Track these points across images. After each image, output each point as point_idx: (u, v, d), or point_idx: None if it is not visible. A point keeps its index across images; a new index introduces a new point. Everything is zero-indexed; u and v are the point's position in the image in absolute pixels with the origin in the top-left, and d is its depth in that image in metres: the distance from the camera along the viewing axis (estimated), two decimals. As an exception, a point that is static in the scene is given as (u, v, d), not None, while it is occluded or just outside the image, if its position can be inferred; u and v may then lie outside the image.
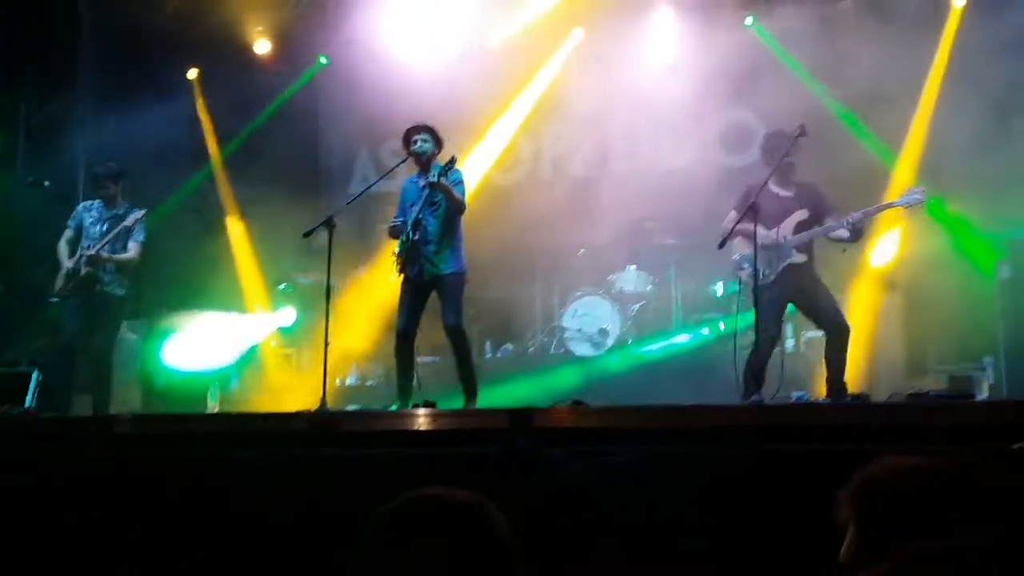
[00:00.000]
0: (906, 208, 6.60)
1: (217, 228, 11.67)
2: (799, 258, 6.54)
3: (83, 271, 7.18)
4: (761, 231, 6.38)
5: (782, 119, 9.59)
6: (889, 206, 6.68)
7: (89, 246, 7.24)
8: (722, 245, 6.17)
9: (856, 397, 6.11)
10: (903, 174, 9.49)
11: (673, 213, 10.02)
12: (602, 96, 11.05)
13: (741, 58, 10.16)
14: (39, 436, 5.51)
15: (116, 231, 7.25)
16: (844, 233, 6.51)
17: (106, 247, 7.19)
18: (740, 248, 6.62)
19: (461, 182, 6.88)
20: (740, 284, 6.74)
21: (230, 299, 10.77)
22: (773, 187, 6.61)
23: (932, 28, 9.83)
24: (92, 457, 4.96)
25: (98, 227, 7.38)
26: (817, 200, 6.70)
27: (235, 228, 11.77)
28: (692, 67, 10.04)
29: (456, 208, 6.75)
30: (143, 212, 7.44)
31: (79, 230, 7.42)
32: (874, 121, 9.64)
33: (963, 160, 8.50)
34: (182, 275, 10.72)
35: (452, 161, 6.79)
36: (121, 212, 7.43)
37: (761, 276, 6.38)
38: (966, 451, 3.73)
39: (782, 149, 6.55)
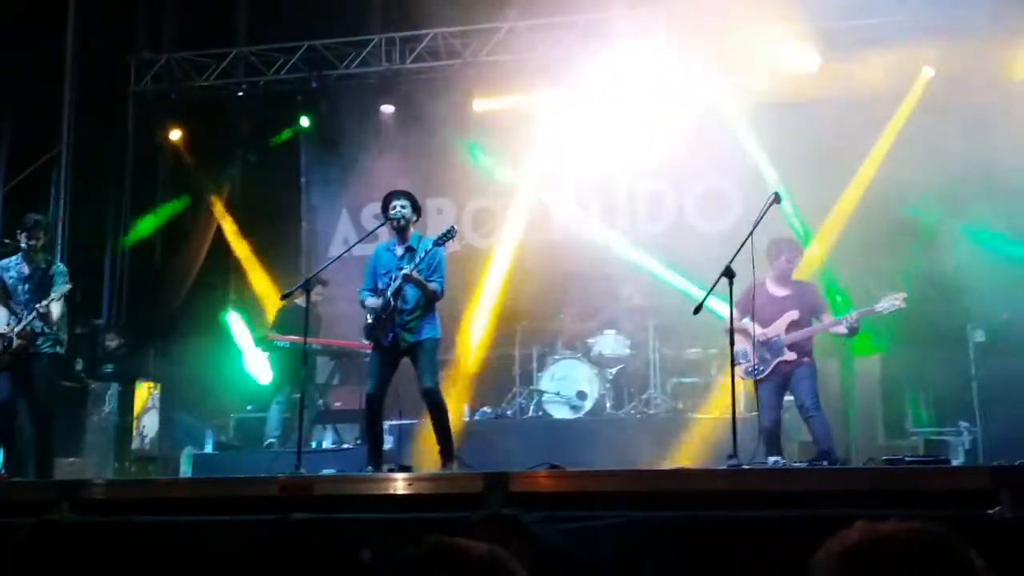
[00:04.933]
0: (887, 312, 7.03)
1: (201, 289, 11.66)
2: (790, 355, 6.99)
3: (15, 344, 7.03)
4: (758, 329, 6.92)
5: (758, 186, 9.81)
6: (871, 311, 7.07)
7: (18, 320, 7.07)
8: (697, 311, 6.22)
9: (833, 462, 6.11)
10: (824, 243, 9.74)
11: (651, 278, 10.10)
12: (580, 162, 11.21)
13: (717, 127, 10.35)
14: (6, 501, 5.41)
15: (44, 290, 7.07)
16: (842, 330, 6.98)
17: (34, 312, 7.00)
18: (738, 343, 6.85)
19: (442, 266, 6.83)
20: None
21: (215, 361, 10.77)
22: (771, 287, 7.14)
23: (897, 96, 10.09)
24: (61, 522, 4.86)
25: (24, 286, 7.19)
26: (812, 300, 7.19)
27: (221, 288, 11.81)
28: (670, 134, 10.19)
29: (430, 299, 6.77)
30: (63, 266, 7.28)
31: (8, 291, 7.22)
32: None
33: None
34: (163, 338, 10.73)
35: (451, 231, 6.81)
36: (43, 266, 7.23)
37: (756, 372, 6.97)
38: (942, 516, 3.73)
39: (780, 253, 7.10)
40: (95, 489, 5.38)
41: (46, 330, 7.11)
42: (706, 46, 10.29)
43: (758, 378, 7.00)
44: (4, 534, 4.72)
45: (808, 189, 9.64)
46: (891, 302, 6.92)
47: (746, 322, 6.91)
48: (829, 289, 9.02)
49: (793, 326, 7.03)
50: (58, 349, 7.22)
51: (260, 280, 11.75)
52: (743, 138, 10.49)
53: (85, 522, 4.89)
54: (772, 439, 6.90)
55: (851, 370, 9.17)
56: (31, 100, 10.94)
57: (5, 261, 7.38)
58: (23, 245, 7.23)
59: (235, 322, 11.00)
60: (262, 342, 10.19)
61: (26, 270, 7.22)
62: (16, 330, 7.02)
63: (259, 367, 10.41)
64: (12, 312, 7.18)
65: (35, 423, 7.15)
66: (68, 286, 7.17)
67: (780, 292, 7.16)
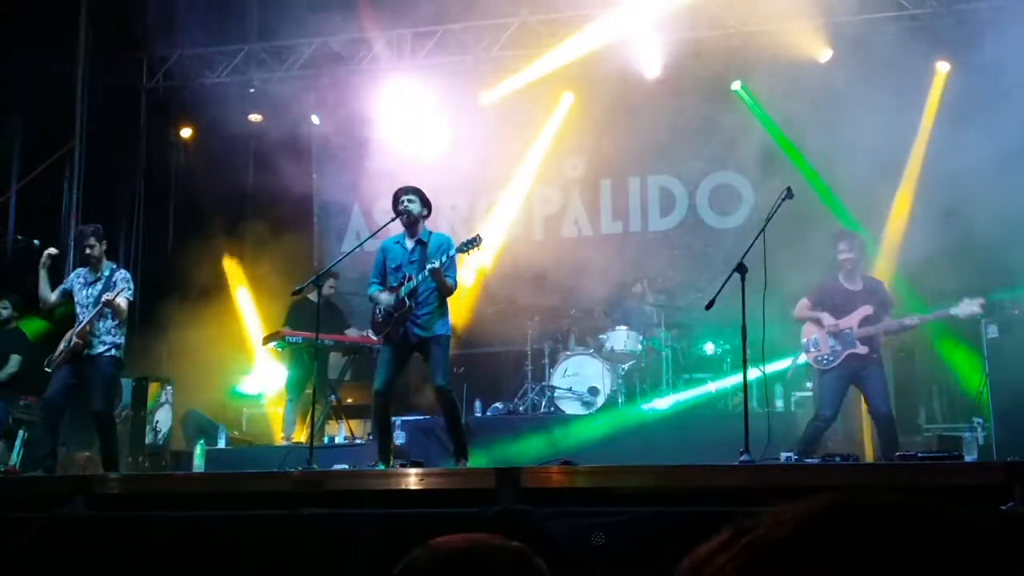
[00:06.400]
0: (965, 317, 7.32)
1: (213, 286, 11.68)
2: (862, 349, 7.26)
3: (73, 342, 7.32)
4: (830, 320, 7.31)
5: (769, 181, 9.79)
6: (947, 314, 7.40)
7: (80, 319, 7.37)
8: (709, 306, 6.21)
9: (845, 458, 6.09)
10: (891, 241, 9.69)
11: (663, 274, 10.09)
12: (591, 158, 11.19)
13: (729, 121, 10.32)
14: (21, 496, 5.44)
15: (104, 294, 7.36)
16: (913, 324, 7.51)
17: (95, 315, 7.31)
18: (809, 332, 7.47)
19: (455, 263, 6.88)
20: (806, 363, 7.72)
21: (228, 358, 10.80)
22: (842, 281, 7.45)
23: (918, 93, 10.02)
24: (74, 516, 4.89)
25: (87, 291, 7.51)
26: (883, 296, 7.50)
27: (233, 285, 11.82)
28: (681, 129, 10.17)
29: (446, 294, 6.80)
30: (127, 273, 7.64)
31: (65, 295, 7.57)
32: (854, 188, 9.77)
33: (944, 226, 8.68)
34: (177, 334, 10.76)
35: (477, 239, 6.79)
36: (107, 273, 7.56)
37: (825, 361, 7.30)
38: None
39: (835, 244, 7.48)
40: (109, 483, 5.41)
41: (105, 333, 7.38)
42: (719, 38, 10.26)
43: (827, 368, 7.30)
44: (18, 528, 4.76)
45: (852, 188, 9.66)
46: (970, 308, 7.20)
47: (821, 313, 7.36)
48: (902, 287, 9.18)
49: (866, 321, 7.31)
50: (115, 352, 7.49)
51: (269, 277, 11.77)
52: (764, 133, 10.47)
53: (97, 516, 4.92)
54: (821, 432, 7.23)
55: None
56: (44, 97, 10.97)
57: (79, 269, 7.76)
58: (81, 255, 7.64)
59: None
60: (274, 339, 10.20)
61: (90, 277, 7.58)
62: (75, 330, 7.30)
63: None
64: (77, 316, 7.50)
65: (97, 423, 7.40)
66: (130, 291, 7.50)
67: (852, 286, 7.45)
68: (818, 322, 7.38)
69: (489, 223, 11.58)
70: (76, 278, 7.66)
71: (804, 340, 7.53)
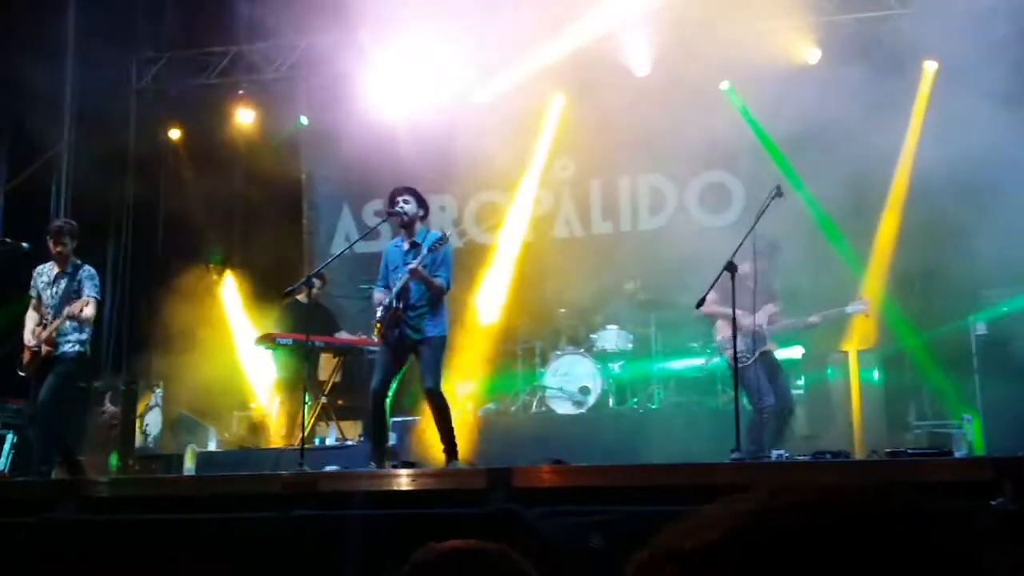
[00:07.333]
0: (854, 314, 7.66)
1: (203, 287, 11.65)
2: (771, 345, 7.36)
3: (43, 350, 7.17)
4: (749, 319, 7.04)
5: (759, 179, 9.80)
6: (840, 312, 7.66)
7: (45, 324, 7.21)
8: (699, 305, 6.24)
9: (836, 455, 6.11)
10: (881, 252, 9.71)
11: (653, 273, 10.09)
12: (581, 158, 11.20)
13: (718, 120, 10.32)
14: (10, 500, 5.42)
15: (69, 294, 7.22)
16: (815, 321, 7.56)
17: (60, 315, 7.14)
18: (722, 330, 7.26)
19: (448, 260, 6.85)
20: (723, 361, 7.60)
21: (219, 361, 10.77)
22: (748, 279, 7.07)
23: (906, 93, 10.04)
24: (64, 520, 4.87)
25: (51, 290, 7.35)
26: (776, 294, 7.47)
27: (223, 287, 11.79)
28: (671, 129, 10.16)
29: (437, 294, 6.77)
30: (92, 270, 7.43)
31: (39, 296, 7.43)
32: (841, 192, 9.75)
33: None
34: (166, 337, 10.73)
35: (444, 238, 6.79)
36: (70, 271, 7.38)
37: (743, 359, 7.00)
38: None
39: (779, 252, 7.41)
40: (98, 487, 5.39)
41: (71, 332, 7.23)
42: (709, 39, 10.27)
43: (744, 365, 7.01)
44: (8, 532, 4.74)
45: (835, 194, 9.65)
46: (857, 306, 7.52)
47: (738, 311, 6.81)
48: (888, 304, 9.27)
49: (773, 317, 7.38)
50: (79, 348, 7.33)
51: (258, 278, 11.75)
52: (751, 132, 10.48)
53: (86, 520, 4.91)
54: (782, 421, 7.15)
55: (854, 364, 9.15)
56: (32, 99, 10.93)
57: (41, 266, 7.56)
58: (52, 250, 7.40)
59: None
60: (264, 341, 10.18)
61: (54, 274, 7.38)
62: (43, 336, 7.14)
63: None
64: (42, 316, 7.33)
65: (38, 405, 7.21)
66: (96, 291, 7.34)
67: (751, 284, 7.16)
68: (727, 318, 6.97)
69: (479, 225, 11.59)
70: (39, 276, 7.46)
71: (719, 338, 7.38)
